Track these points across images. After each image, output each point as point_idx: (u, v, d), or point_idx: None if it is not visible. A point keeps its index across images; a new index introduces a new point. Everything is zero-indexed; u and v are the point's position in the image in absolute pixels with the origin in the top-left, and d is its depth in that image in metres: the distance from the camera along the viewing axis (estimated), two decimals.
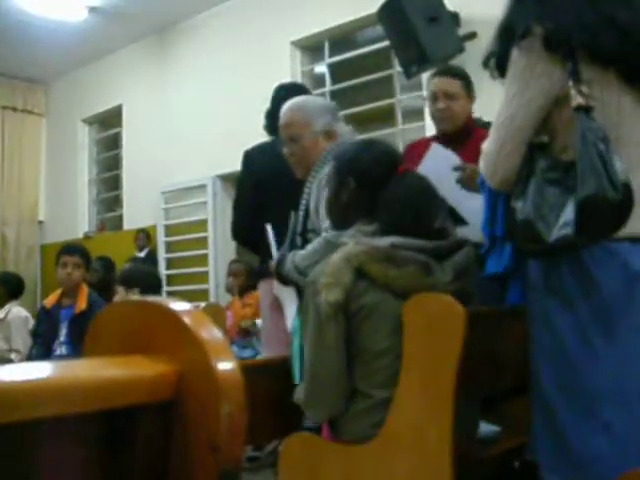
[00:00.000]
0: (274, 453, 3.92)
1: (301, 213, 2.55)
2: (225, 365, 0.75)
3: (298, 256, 2.44)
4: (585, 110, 1.72)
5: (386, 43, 5.75)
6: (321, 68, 6.86)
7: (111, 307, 0.86)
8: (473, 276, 2.03)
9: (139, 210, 8.06)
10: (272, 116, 3.26)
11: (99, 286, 5.26)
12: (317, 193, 2.48)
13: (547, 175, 1.78)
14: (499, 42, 1.93)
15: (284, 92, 3.35)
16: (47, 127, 9.96)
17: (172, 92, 7.68)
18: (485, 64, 1.99)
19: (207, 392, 0.75)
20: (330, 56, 6.67)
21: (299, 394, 2.08)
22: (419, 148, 3.03)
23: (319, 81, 6.85)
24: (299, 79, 6.74)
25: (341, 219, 2.16)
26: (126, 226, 8.49)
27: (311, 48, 6.86)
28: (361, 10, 5.96)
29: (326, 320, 1.93)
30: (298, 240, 2.55)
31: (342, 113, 6.38)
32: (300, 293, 2.43)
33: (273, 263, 2.58)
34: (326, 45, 6.69)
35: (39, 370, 0.76)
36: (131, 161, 8.42)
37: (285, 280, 2.51)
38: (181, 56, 7.71)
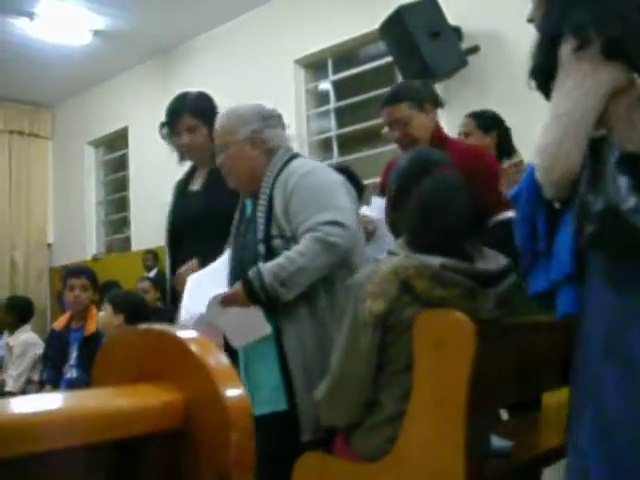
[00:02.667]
0: None
1: (260, 221, 2.48)
2: (233, 392, 0.74)
3: (275, 266, 2.34)
4: None
5: (389, 59, 5.77)
6: (325, 85, 6.88)
7: (118, 335, 0.86)
8: (514, 304, 2.03)
9: (147, 231, 8.07)
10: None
11: None
12: (283, 197, 2.47)
13: (619, 160, 1.64)
14: (543, 51, 1.84)
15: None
16: (53, 150, 10.01)
17: None
18: (534, 75, 1.90)
19: (215, 420, 0.74)
20: (334, 73, 6.69)
21: (319, 393, 2.07)
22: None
23: (323, 98, 6.87)
24: (303, 97, 6.77)
25: (393, 230, 2.24)
26: (134, 247, 8.51)
27: (314, 66, 6.89)
28: (363, 27, 5.98)
29: (364, 328, 1.92)
30: (261, 248, 2.45)
31: (347, 129, 6.43)
32: (273, 309, 2.39)
33: (237, 286, 2.41)
34: (329, 62, 6.72)
35: (47, 402, 0.76)
36: (138, 182, 8.45)
37: (256, 299, 2.36)
38: (185, 77, 7.74)
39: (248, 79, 6.70)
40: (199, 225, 3.02)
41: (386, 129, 3.17)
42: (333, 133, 6.76)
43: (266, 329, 2.43)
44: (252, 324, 2.45)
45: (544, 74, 1.82)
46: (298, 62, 6.75)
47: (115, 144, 9.19)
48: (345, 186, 2.56)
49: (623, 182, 1.60)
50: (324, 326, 2.39)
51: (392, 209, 2.21)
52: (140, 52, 7.95)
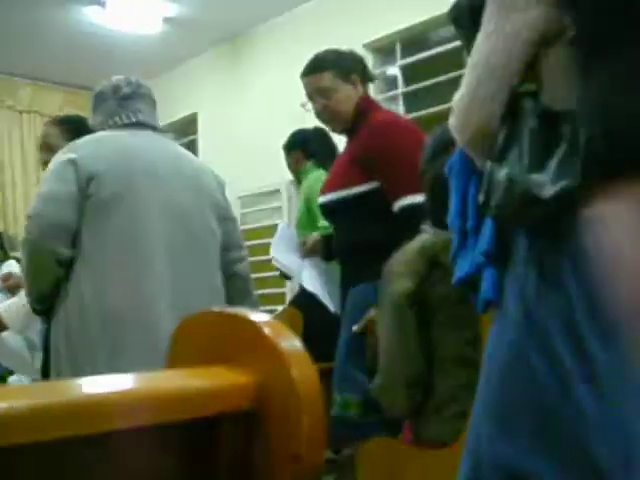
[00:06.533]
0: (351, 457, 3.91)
1: None
2: (305, 376, 0.75)
3: None
4: None
5: (458, 43, 5.70)
6: (393, 70, 6.83)
7: (191, 318, 0.88)
8: None
9: None
10: None
11: None
12: None
13: (539, 122, 1.35)
14: None
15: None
16: None
17: (245, 97, 7.76)
18: (456, 22, 1.67)
19: (287, 402, 0.75)
20: (402, 58, 6.64)
21: (375, 383, 2.08)
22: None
23: (391, 83, 6.83)
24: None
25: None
26: None
27: (383, 50, 6.84)
28: (433, 10, 5.91)
29: (399, 309, 1.92)
30: None
31: (415, 115, 6.38)
32: None
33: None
34: (398, 47, 6.66)
35: (121, 382, 0.78)
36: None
37: None
38: (254, 62, 7.78)
39: None
40: None
41: (305, 100, 2.89)
42: None
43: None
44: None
45: (470, 14, 1.56)
46: (366, 47, 6.71)
47: (185, 130, 9.29)
48: (59, 167, 2.37)
49: (533, 148, 1.34)
50: None
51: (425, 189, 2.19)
52: (209, 39, 8.01)
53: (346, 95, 2.75)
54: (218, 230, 2.59)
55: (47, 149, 3.14)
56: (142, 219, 2.37)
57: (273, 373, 0.77)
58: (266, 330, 0.78)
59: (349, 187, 2.61)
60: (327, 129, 2.92)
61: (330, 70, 2.77)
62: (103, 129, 2.58)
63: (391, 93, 6.72)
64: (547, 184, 1.28)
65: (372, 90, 6.78)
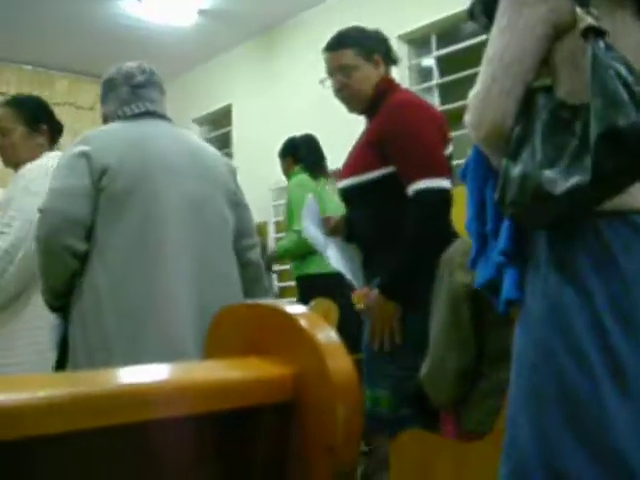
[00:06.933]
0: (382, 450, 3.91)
1: None
2: (341, 367, 0.75)
3: None
4: (597, 34, 1.32)
5: None
6: (428, 61, 6.80)
7: (229, 309, 0.88)
8: None
9: (250, 207, 8.18)
10: None
11: None
12: None
13: (552, 118, 1.35)
14: None
15: None
16: None
17: (280, 90, 7.77)
18: (471, 15, 1.70)
19: (323, 394, 0.75)
20: (437, 49, 6.60)
21: (423, 371, 2.07)
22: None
23: (426, 75, 6.80)
24: (406, 73, 6.70)
25: None
26: None
27: (417, 42, 6.81)
28: (468, 1, 5.87)
29: (457, 300, 1.91)
30: None
31: (450, 106, 6.34)
32: None
33: None
34: (433, 38, 6.63)
35: (159, 372, 0.79)
36: (241, 159, 8.57)
37: None
38: (288, 54, 7.79)
39: None
40: None
41: (324, 77, 2.85)
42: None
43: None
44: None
45: (487, 10, 1.57)
46: (401, 38, 6.68)
47: (219, 122, 9.32)
48: (71, 160, 2.32)
49: (546, 144, 1.34)
50: None
51: None
52: (244, 30, 8.02)
53: (366, 74, 2.71)
54: (231, 218, 2.57)
55: (1, 133, 2.99)
56: (157, 210, 2.34)
57: (309, 365, 0.77)
58: (302, 322, 0.78)
59: (365, 172, 2.56)
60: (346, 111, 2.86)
61: (352, 47, 2.74)
62: (115, 118, 2.54)
63: (426, 85, 6.69)
64: (559, 180, 1.29)
65: (406, 82, 6.76)
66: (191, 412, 0.75)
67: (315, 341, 0.76)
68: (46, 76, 9.31)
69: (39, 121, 2.94)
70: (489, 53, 1.50)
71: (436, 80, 6.63)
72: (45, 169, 2.73)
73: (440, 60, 6.64)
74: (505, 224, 1.49)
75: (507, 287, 1.49)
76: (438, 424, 2.16)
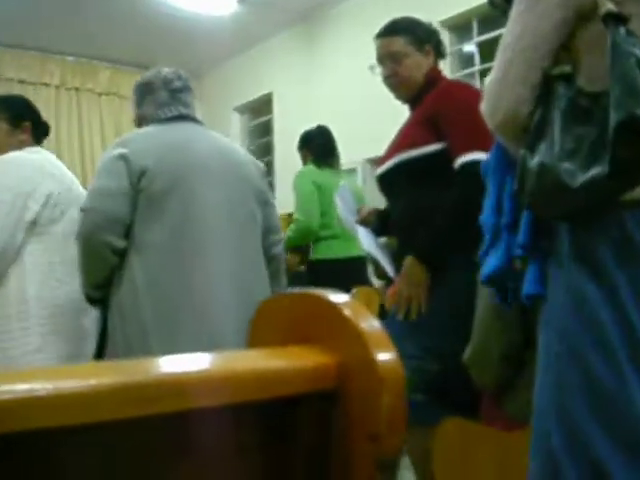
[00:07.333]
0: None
1: None
2: (385, 356, 0.75)
3: None
4: (618, 20, 1.26)
5: None
6: (470, 47, 6.74)
7: (273, 298, 0.89)
8: None
9: (291, 195, 8.22)
10: None
11: None
12: None
13: (571, 107, 1.30)
14: None
15: None
16: (201, 117, 10.26)
17: (321, 77, 7.76)
18: (491, 2, 1.66)
19: (368, 383, 0.75)
20: (479, 34, 6.54)
21: (467, 352, 2.06)
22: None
23: (468, 60, 6.74)
24: (448, 59, 6.64)
25: None
26: (279, 210, 8.66)
27: (459, 27, 6.75)
28: None
29: None
30: None
31: None
32: None
33: None
34: (474, 24, 6.57)
35: (200, 361, 0.79)
36: (282, 147, 8.58)
37: None
38: (329, 42, 7.77)
39: None
40: None
41: (374, 63, 2.80)
42: None
43: None
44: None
45: None
46: (443, 24, 6.62)
47: (260, 110, 9.34)
48: (110, 162, 2.45)
49: (565, 134, 1.30)
50: None
51: None
52: (285, 18, 8.02)
53: (417, 63, 2.71)
54: (259, 215, 2.69)
55: None
56: (195, 210, 2.46)
57: (353, 353, 0.77)
58: (346, 311, 0.78)
59: (413, 148, 2.52)
60: (394, 96, 2.84)
61: (404, 35, 2.73)
62: (153, 120, 2.66)
63: (467, 71, 6.64)
64: (577, 172, 1.26)
65: (448, 68, 6.70)
66: (233, 401, 0.75)
67: (359, 330, 0.76)
68: (89, 67, 9.41)
69: (22, 119, 2.96)
70: (505, 39, 1.44)
71: (478, 66, 6.57)
72: (18, 162, 2.75)
73: (481, 46, 6.57)
74: (524, 218, 1.46)
75: (529, 282, 1.47)
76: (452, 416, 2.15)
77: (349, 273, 4.66)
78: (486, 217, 1.65)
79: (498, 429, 2.01)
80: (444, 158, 2.47)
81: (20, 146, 2.88)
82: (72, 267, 2.59)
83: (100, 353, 2.59)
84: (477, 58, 6.62)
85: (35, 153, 2.83)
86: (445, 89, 2.64)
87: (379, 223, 2.84)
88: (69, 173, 2.91)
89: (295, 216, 4.93)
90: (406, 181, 2.58)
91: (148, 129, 2.62)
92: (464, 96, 2.58)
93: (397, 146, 2.63)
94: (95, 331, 2.75)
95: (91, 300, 2.58)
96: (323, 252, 4.79)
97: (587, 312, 1.34)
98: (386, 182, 2.71)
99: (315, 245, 4.85)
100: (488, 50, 6.52)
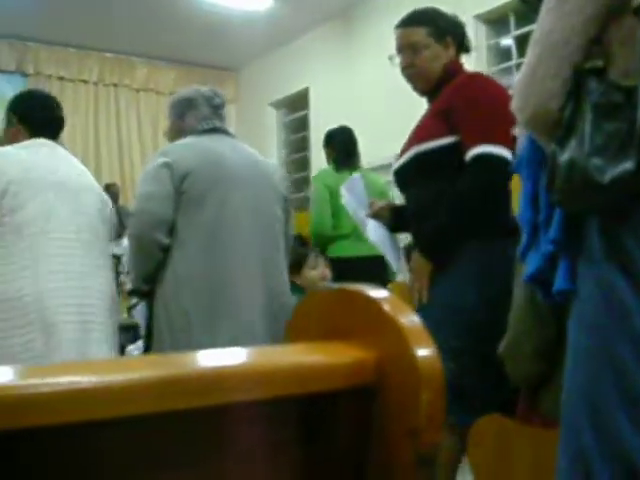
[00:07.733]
0: None
1: None
2: (425, 352, 0.75)
3: None
4: None
5: None
6: (507, 41, 6.69)
7: (311, 294, 0.89)
8: None
9: None
10: None
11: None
12: None
13: (602, 102, 1.28)
14: None
15: None
16: (237, 112, 10.30)
17: (357, 73, 7.75)
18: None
19: (407, 378, 0.75)
20: (516, 28, 6.49)
21: (502, 346, 2.04)
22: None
23: (505, 55, 6.69)
24: (484, 53, 6.61)
25: None
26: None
27: (496, 21, 6.70)
28: None
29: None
30: None
31: None
32: None
33: None
34: (512, 17, 6.51)
35: (238, 355, 0.80)
36: (318, 142, 8.57)
37: None
38: (365, 37, 7.75)
39: None
40: None
41: (393, 53, 2.78)
42: None
43: None
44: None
45: None
46: (478, 18, 6.59)
47: (296, 105, 9.35)
48: (155, 170, 2.76)
49: (595, 130, 1.28)
50: None
51: None
52: (321, 14, 8.02)
53: (435, 54, 2.65)
54: (282, 219, 3.01)
55: None
56: (225, 213, 2.78)
57: (393, 349, 0.77)
58: (385, 306, 0.78)
59: (429, 140, 2.51)
60: (411, 87, 2.81)
61: (425, 26, 2.69)
62: (194, 132, 2.94)
63: (504, 65, 6.58)
64: (607, 168, 1.25)
65: (484, 62, 6.66)
66: (273, 396, 0.75)
67: (399, 325, 0.76)
68: (127, 63, 9.49)
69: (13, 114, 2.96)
70: (536, 35, 1.43)
71: (515, 60, 6.52)
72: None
73: (519, 40, 6.52)
74: (557, 214, 1.45)
75: (560, 278, 1.46)
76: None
77: (360, 273, 4.64)
78: (523, 212, 1.63)
79: (534, 426, 2.00)
80: (457, 151, 2.46)
81: (14, 141, 2.86)
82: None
83: (149, 342, 2.85)
84: (514, 52, 6.56)
85: (23, 148, 2.78)
86: (462, 82, 2.60)
87: (394, 218, 2.83)
88: (63, 163, 2.85)
89: (310, 219, 5.06)
90: (420, 174, 2.57)
91: (186, 140, 2.92)
92: (480, 89, 2.55)
93: (414, 139, 2.62)
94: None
95: (141, 293, 2.91)
96: (336, 252, 4.80)
97: (617, 306, 1.33)
98: (402, 175, 2.70)
99: (329, 245, 4.87)
100: (526, 44, 6.46)
